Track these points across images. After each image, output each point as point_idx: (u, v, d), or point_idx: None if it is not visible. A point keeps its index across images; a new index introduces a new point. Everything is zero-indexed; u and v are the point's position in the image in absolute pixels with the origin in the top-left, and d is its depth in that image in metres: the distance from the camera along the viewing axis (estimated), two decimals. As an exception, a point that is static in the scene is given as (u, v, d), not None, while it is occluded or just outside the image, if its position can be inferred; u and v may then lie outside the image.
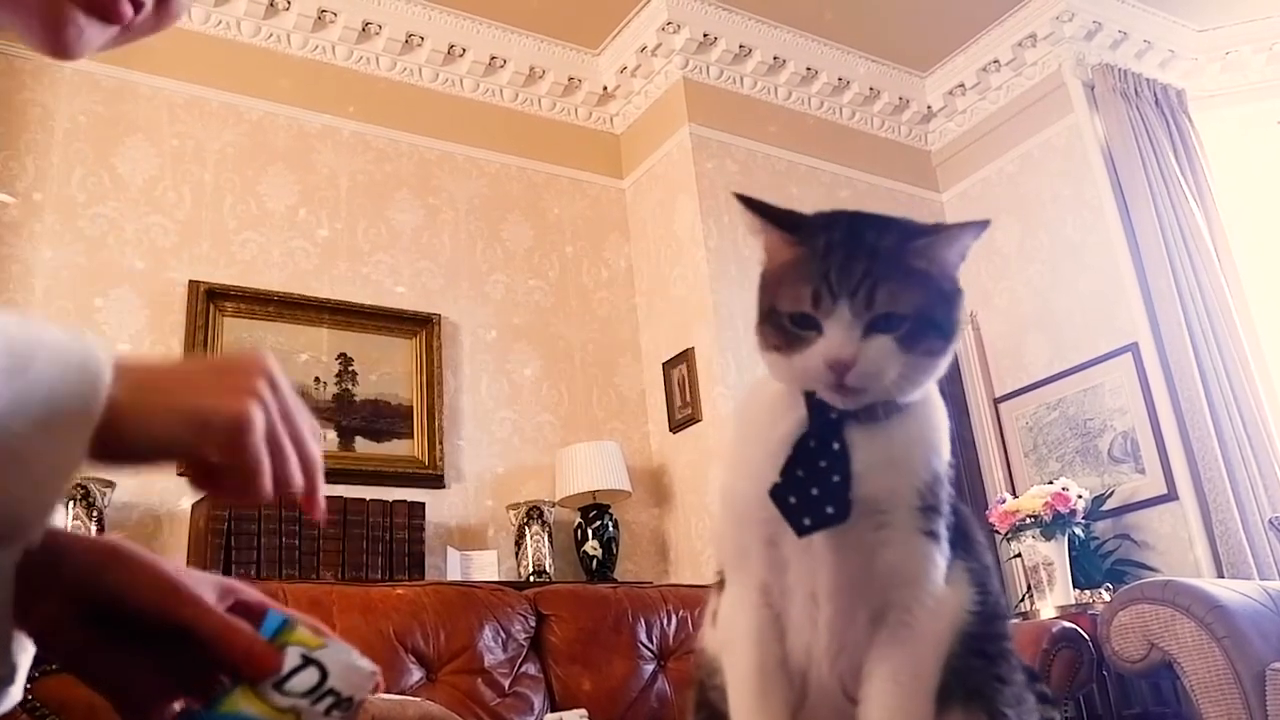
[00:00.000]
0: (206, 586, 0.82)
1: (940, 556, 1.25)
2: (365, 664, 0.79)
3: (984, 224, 1.23)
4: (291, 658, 0.76)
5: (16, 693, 0.83)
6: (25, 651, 0.82)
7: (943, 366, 1.26)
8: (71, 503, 4.08)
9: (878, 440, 1.24)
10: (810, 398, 1.25)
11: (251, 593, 0.86)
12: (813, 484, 1.21)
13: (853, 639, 1.26)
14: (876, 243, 1.26)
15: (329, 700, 0.76)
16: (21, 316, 0.69)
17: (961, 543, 1.30)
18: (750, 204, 1.34)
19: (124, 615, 0.78)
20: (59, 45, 0.79)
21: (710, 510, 5.24)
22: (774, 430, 1.27)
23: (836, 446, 1.22)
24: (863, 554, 1.24)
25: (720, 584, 1.38)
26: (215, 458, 0.76)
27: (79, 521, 4.09)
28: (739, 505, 1.28)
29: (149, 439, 0.73)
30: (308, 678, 0.76)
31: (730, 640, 1.32)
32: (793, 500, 1.22)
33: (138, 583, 0.79)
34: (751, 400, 1.36)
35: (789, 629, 1.31)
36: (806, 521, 1.21)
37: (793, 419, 1.26)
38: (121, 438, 0.71)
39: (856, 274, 1.21)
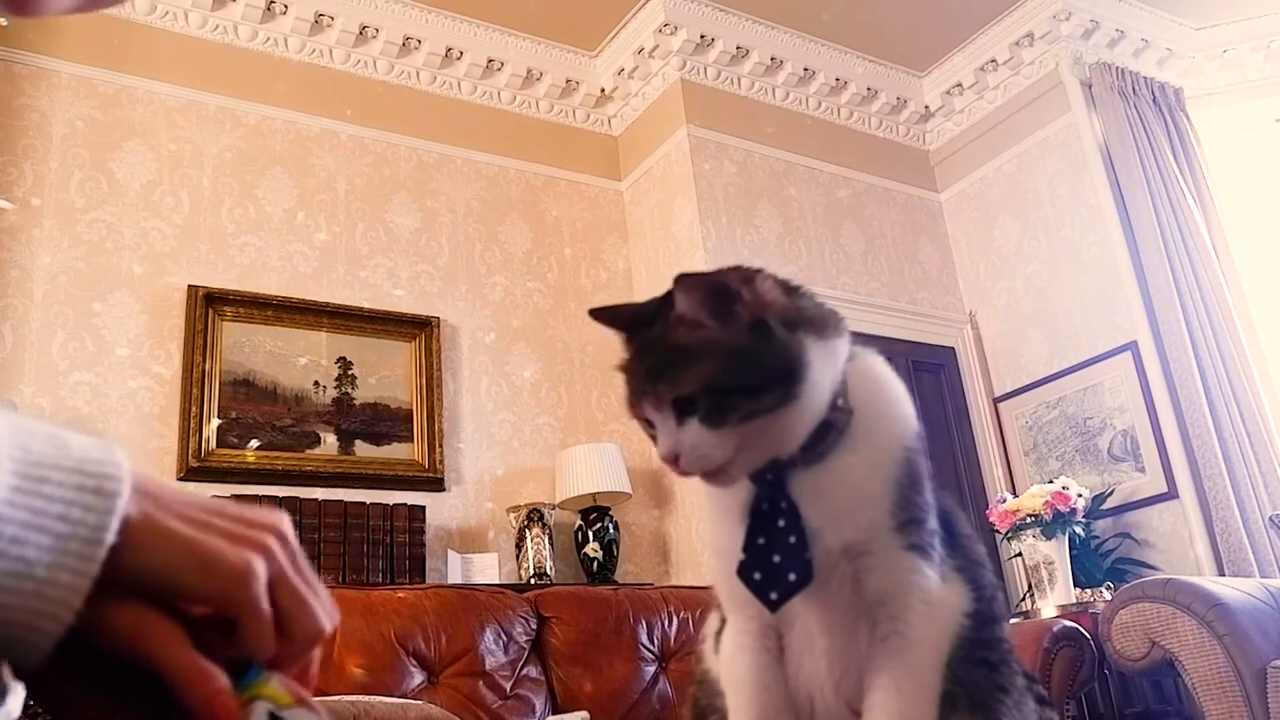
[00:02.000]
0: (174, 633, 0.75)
1: (927, 565, 1.23)
2: None
3: (683, 277, 1.16)
4: (258, 713, 0.73)
5: (15, 706, 0.80)
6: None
7: (796, 414, 1.18)
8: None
9: (830, 482, 1.22)
10: None
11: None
12: (774, 550, 1.20)
13: (855, 663, 1.26)
14: (653, 333, 1.22)
15: None
16: (42, 423, 0.67)
17: (948, 541, 1.29)
18: (597, 315, 1.30)
19: (92, 643, 0.73)
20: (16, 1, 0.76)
21: (706, 512, 5.26)
22: (734, 496, 1.26)
23: (784, 505, 1.21)
24: (850, 587, 1.23)
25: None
26: (214, 606, 0.72)
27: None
28: (726, 561, 1.27)
29: (151, 570, 0.69)
30: None
31: (732, 684, 1.32)
32: (758, 576, 1.21)
33: (118, 611, 0.72)
34: None
35: (792, 658, 1.31)
36: (774, 596, 1.20)
37: (746, 483, 1.25)
38: (124, 564, 0.67)
39: (642, 373, 1.20)
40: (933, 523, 1.25)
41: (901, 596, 1.22)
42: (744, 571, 1.22)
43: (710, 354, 1.17)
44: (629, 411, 1.24)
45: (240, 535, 0.73)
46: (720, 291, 1.17)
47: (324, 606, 0.78)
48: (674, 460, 1.17)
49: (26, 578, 0.62)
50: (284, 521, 0.78)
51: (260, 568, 0.73)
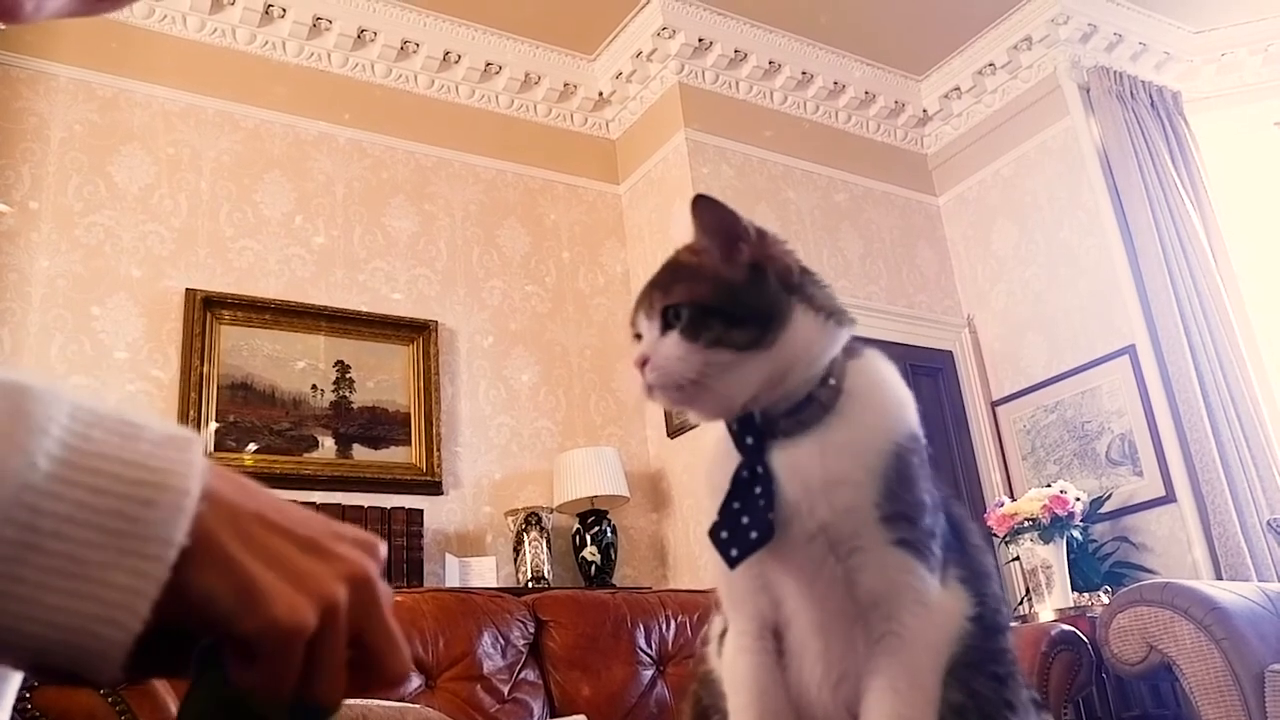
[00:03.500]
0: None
1: (923, 565, 1.23)
2: None
3: (699, 198, 1.28)
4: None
5: (4, 707, 0.80)
6: (9, 679, 0.80)
7: (760, 363, 1.24)
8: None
9: (810, 457, 1.24)
10: (730, 428, 1.29)
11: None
12: (744, 513, 1.23)
13: (853, 667, 1.26)
14: (667, 260, 1.33)
15: None
16: (121, 413, 0.61)
17: (955, 546, 1.29)
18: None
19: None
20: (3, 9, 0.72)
21: (705, 511, 5.25)
22: (724, 481, 1.28)
23: (760, 470, 1.24)
24: (841, 587, 1.23)
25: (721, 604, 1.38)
26: (246, 647, 0.63)
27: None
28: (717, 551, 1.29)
29: (193, 590, 0.61)
30: None
31: (732, 686, 1.32)
32: (723, 535, 1.24)
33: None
34: (709, 456, 1.36)
35: (791, 660, 1.31)
36: (734, 552, 1.23)
37: (736, 460, 1.28)
38: (174, 576, 0.60)
39: (648, 287, 1.30)
40: (928, 523, 1.24)
41: (894, 597, 1.22)
42: (713, 532, 1.25)
43: (704, 275, 1.27)
44: (630, 329, 1.32)
45: (305, 576, 0.64)
46: (730, 224, 1.28)
47: (382, 672, 0.69)
48: (642, 364, 1.25)
49: (77, 578, 0.57)
50: (371, 561, 0.69)
51: (309, 625, 0.63)
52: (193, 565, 0.60)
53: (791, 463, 1.24)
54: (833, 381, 1.26)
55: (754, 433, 1.26)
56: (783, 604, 1.29)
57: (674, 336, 1.24)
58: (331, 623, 0.64)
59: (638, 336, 1.30)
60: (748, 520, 1.23)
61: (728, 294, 1.26)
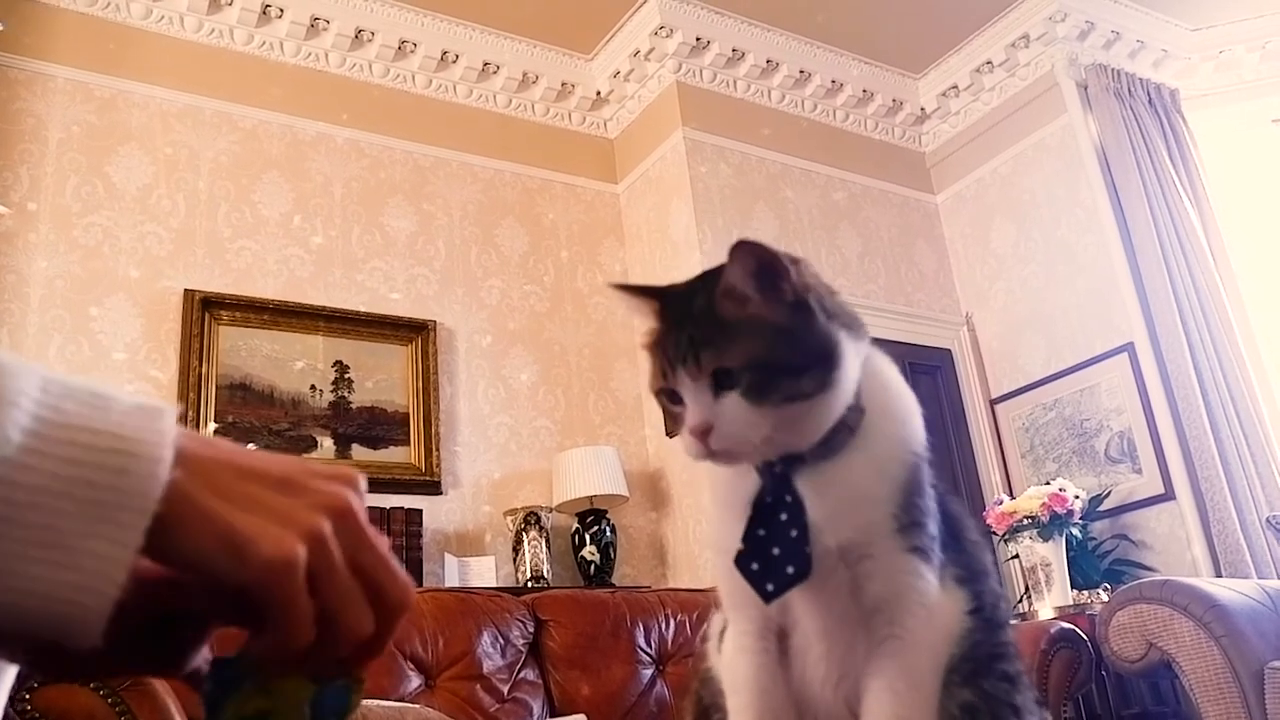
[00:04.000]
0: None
1: (927, 569, 1.22)
2: None
3: (741, 243, 1.16)
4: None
5: None
6: (2, 676, 0.80)
7: (828, 404, 1.18)
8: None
9: (836, 480, 1.22)
10: None
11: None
12: (774, 543, 1.20)
13: (853, 667, 1.25)
14: (695, 305, 1.22)
15: None
16: (91, 385, 0.62)
17: (952, 545, 1.29)
18: (622, 288, 1.31)
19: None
20: None
21: (708, 513, 5.26)
22: (737, 493, 1.26)
23: (789, 499, 1.21)
24: (847, 591, 1.23)
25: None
26: (249, 597, 0.64)
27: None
28: (727, 560, 1.26)
29: (182, 551, 0.63)
30: None
31: (732, 685, 1.32)
32: (755, 567, 1.21)
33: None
34: (715, 468, 1.33)
35: (795, 660, 1.30)
36: (770, 588, 1.20)
37: (752, 478, 1.25)
38: (156, 540, 0.62)
39: (684, 342, 1.19)
40: (933, 527, 1.24)
41: (899, 601, 1.21)
42: (742, 562, 1.21)
43: (757, 329, 1.18)
44: (653, 384, 1.24)
45: (288, 515, 0.65)
46: (771, 265, 1.18)
47: (385, 600, 0.70)
48: (704, 433, 1.16)
49: (55, 547, 0.58)
50: (349, 491, 0.69)
51: (298, 556, 0.64)
52: (176, 528, 0.61)
53: (817, 487, 1.21)
54: (855, 401, 1.23)
55: (782, 460, 1.22)
56: (789, 609, 1.28)
57: (735, 398, 1.16)
58: (322, 553, 0.65)
59: (671, 395, 1.22)
60: (779, 552, 1.19)
61: (786, 344, 1.17)
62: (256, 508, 0.65)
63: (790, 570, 1.19)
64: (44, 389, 0.60)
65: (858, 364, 1.22)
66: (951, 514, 1.32)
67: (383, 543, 0.70)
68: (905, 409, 1.29)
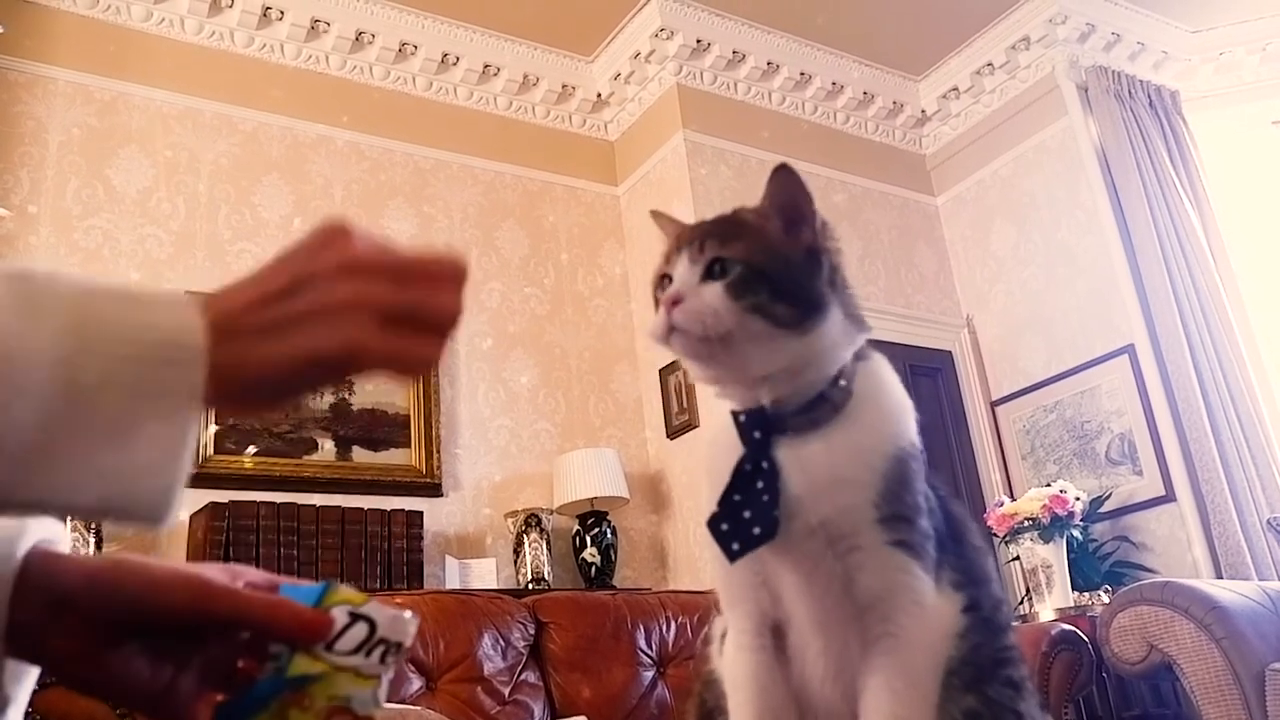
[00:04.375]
0: (220, 575, 0.81)
1: (919, 566, 1.23)
2: (404, 612, 0.81)
3: (785, 168, 1.30)
4: (340, 617, 0.79)
5: (15, 717, 0.82)
6: (22, 680, 0.81)
7: (793, 350, 1.25)
8: (67, 521, 4.06)
9: (817, 455, 1.25)
10: (738, 418, 1.28)
11: (255, 574, 0.85)
12: (746, 506, 1.23)
13: (849, 662, 1.26)
14: (721, 215, 1.34)
15: (381, 649, 0.79)
16: (121, 289, 0.69)
17: (952, 548, 1.29)
18: (657, 215, 1.43)
19: (144, 627, 0.76)
20: None
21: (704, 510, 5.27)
22: (725, 472, 1.28)
23: (766, 465, 1.24)
24: (839, 584, 1.24)
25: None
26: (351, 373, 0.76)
27: (76, 534, 4.08)
28: (720, 552, 1.28)
29: (262, 390, 0.73)
30: (358, 633, 0.78)
31: (732, 684, 1.33)
32: (725, 528, 1.24)
33: (161, 586, 0.77)
34: (710, 446, 1.37)
35: (794, 657, 1.31)
36: (735, 546, 1.23)
37: (738, 451, 1.28)
38: (234, 393, 0.72)
39: (698, 232, 1.29)
40: (925, 525, 1.25)
41: (891, 597, 1.22)
42: (713, 523, 1.26)
43: (765, 242, 1.28)
44: (656, 271, 1.31)
45: (322, 308, 0.73)
46: (802, 203, 1.32)
47: (437, 289, 0.82)
48: (674, 303, 1.23)
49: (118, 434, 0.65)
50: (343, 240, 0.77)
51: (354, 336, 0.73)
52: (251, 377, 0.71)
53: (797, 459, 1.24)
54: (844, 383, 1.27)
55: (762, 426, 1.26)
56: (781, 600, 1.29)
57: (717, 288, 1.23)
58: (372, 316, 0.75)
59: (665, 278, 1.30)
60: (750, 515, 1.23)
61: (783, 267, 1.26)
62: (294, 326, 0.72)
63: (757, 530, 1.22)
64: (80, 294, 0.67)
65: (843, 345, 1.28)
66: (954, 516, 1.33)
67: (396, 248, 0.79)
68: (896, 404, 1.31)
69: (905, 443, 1.27)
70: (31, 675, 0.82)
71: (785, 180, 1.30)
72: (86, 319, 0.65)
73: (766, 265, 1.25)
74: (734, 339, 1.23)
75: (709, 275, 1.25)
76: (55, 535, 0.80)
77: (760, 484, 1.23)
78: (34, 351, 0.63)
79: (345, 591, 0.81)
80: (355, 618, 0.79)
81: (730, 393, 1.31)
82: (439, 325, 0.84)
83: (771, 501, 1.22)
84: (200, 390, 0.67)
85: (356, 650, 0.78)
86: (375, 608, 0.80)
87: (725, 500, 1.25)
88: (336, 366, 0.74)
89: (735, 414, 1.29)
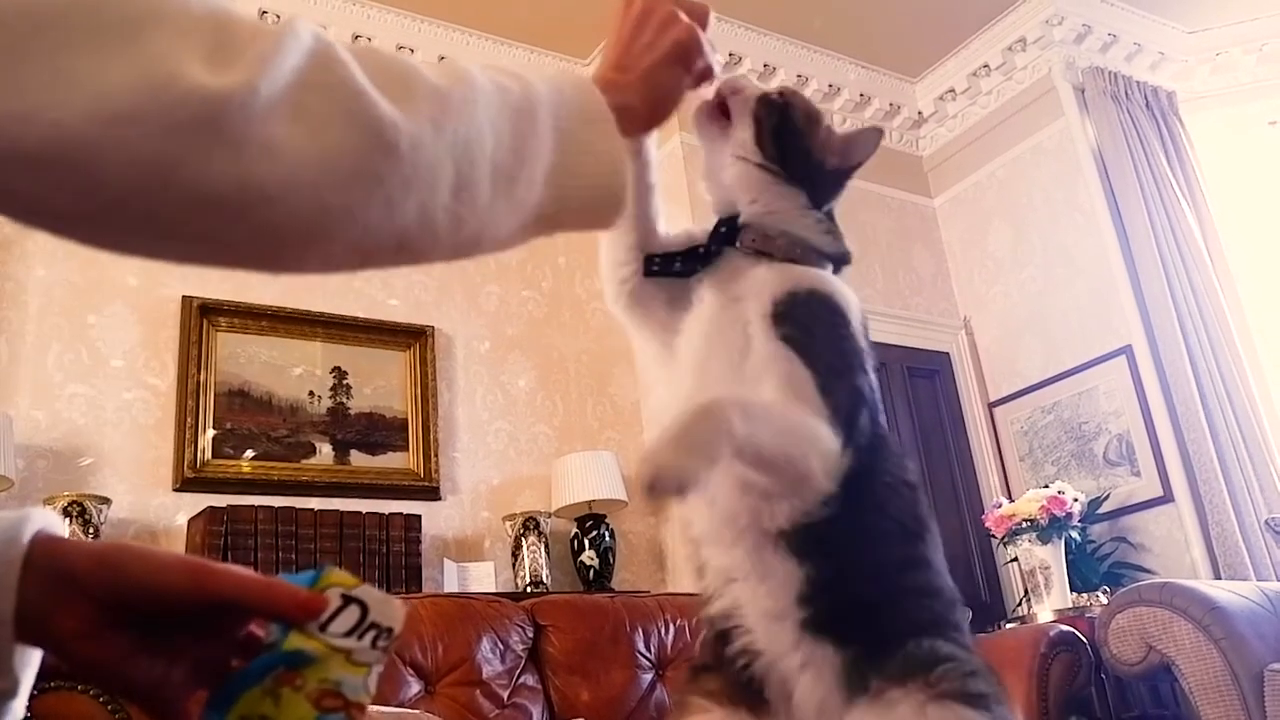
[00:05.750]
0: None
1: (804, 363, 1.35)
2: (394, 598, 0.84)
3: (877, 130, 1.69)
4: (333, 600, 0.81)
5: (20, 706, 0.83)
6: (28, 665, 0.82)
7: (776, 183, 1.62)
8: (68, 519, 4.08)
9: (758, 270, 1.48)
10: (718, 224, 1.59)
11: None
12: (681, 259, 1.55)
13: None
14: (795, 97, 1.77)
15: (373, 633, 0.81)
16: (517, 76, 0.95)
17: (873, 423, 1.43)
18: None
19: (146, 608, 0.78)
20: None
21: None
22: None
23: (714, 249, 1.54)
24: (738, 348, 1.42)
25: None
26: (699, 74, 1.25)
27: (75, 538, 4.08)
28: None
29: (657, 106, 1.15)
30: (350, 616, 0.81)
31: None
32: (655, 266, 1.55)
33: (163, 567, 0.79)
34: None
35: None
36: (655, 266, 1.55)
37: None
38: (640, 116, 1.09)
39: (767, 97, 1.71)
40: (820, 348, 1.38)
41: (769, 369, 1.36)
42: (645, 262, 1.56)
43: (815, 129, 1.70)
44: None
45: (659, 31, 1.18)
46: (817, 117, 1.73)
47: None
48: (726, 91, 1.64)
49: (585, 151, 0.97)
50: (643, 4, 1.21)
51: (689, 37, 1.20)
52: (651, 100, 1.14)
53: (740, 263, 1.50)
54: (799, 252, 1.53)
55: (729, 226, 1.57)
56: (677, 332, 1.51)
57: (750, 121, 1.62)
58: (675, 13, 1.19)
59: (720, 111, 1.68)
60: (680, 263, 1.54)
61: (807, 152, 1.64)
62: (649, 46, 1.16)
63: (678, 265, 1.53)
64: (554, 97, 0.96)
65: (817, 238, 1.56)
66: (875, 408, 1.44)
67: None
68: (829, 282, 1.51)
69: (834, 292, 1.48)
70: (36, 661, 0.84)
71: (872, 138, 1.82)
72: (557, 90, 0.95)
73: (800, 137, 1.64)
74: (733, 153, 1.63)
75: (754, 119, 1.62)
76: (55, 524, 0.82)
77: (702, 253, 1.53)
78: (541, 110, 0.92)
79: (338, 574, 0.83)
80: (348, 600, 0.81)
81: (714, 198, 1.67)
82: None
83: (705, 258, 1.52)
84: (610, 115, 0.98)
85: (349, 633, 0.80)
86: (367, 590, 0.82)
87: (666, 257, 1.53)
88: (687, 49, 1.17)
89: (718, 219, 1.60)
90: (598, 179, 0.96)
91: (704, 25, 1.23)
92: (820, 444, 1.27)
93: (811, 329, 1.39)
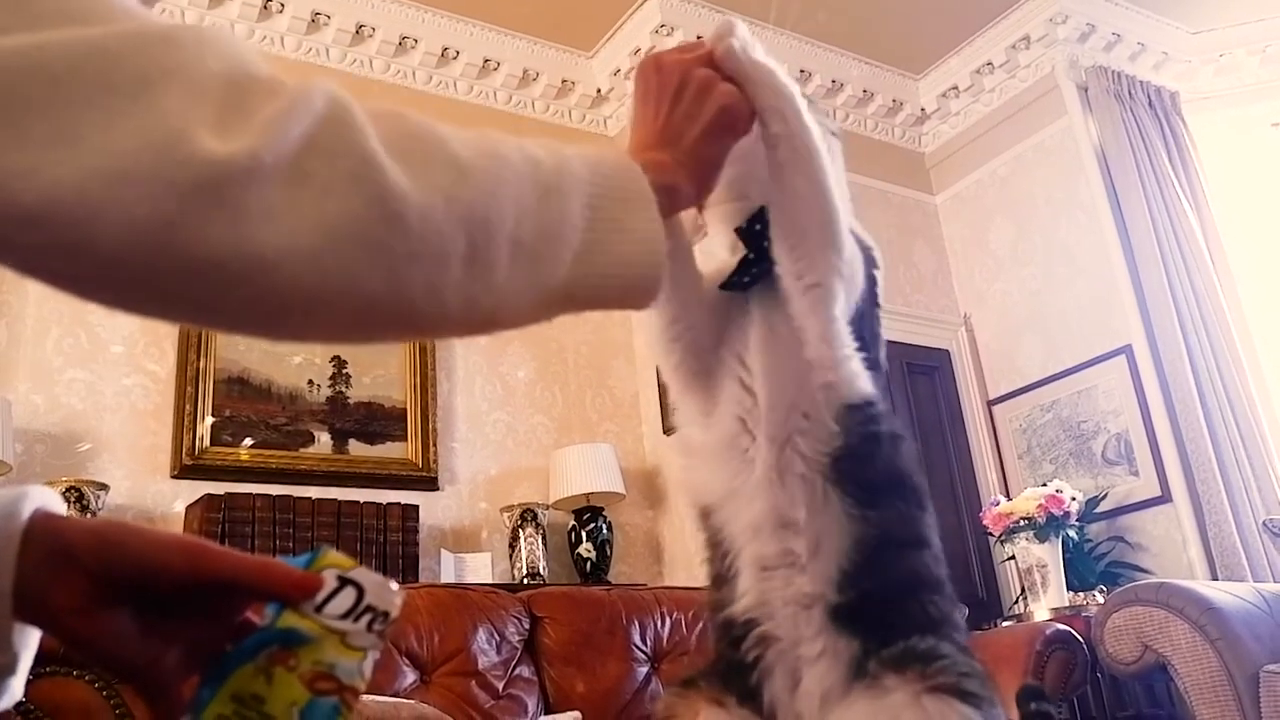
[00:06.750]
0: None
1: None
2: (390, 581, 0.83)
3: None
4: (329, 581, 0.81)
5: (19, 684, 0.84)
6: (27, 643, 0.83)
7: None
8: (66, 505, 4.07)
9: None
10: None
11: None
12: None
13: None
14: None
15: (368, 617, 0.81)
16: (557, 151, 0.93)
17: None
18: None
19: (142, 586, 0.79)
20: None
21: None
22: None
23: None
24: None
25: None
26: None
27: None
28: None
29: (705, 182, 1.10)
30: (346, 598, 0.80)
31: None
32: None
33: (160, 546, 0.80)
34: None
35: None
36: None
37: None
38: (687, 196, 1.06)
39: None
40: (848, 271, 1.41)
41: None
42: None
43: None
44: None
45: (699, 99, 1.12)
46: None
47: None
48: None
49: (624, 231, 0.94)
50: (696, 61, 1.16)
51: (732, 104, 1.14)
52: (700, 173, 1.09)
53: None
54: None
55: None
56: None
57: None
58: (714, 77, 1.15)
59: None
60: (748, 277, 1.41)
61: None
62: (689, 118, 1.09)
63: (749, 276, 1.40)
64: (582, 154, 0.94)
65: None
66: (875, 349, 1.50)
67: (688, 48, 1.20)
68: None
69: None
70: (34, 641, 0.85)
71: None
72: (594, 168, 0.93)
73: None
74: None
75: None
76: (54, 502, 0.83)
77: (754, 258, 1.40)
78: (574, 186, 0.90)
79: (334, 556, 0.83)
80: (344, 582, 0.81)
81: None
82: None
83: (759, 262, 1.40)
84: (652, 196, 0.95)
85: (345, 615, 0.80)
86: (363, 573, 0.82)
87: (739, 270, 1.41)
88: (738, 129, 1.14)
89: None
90: (631, 262, 0.93)
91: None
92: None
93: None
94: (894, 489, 1.35)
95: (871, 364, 1.42)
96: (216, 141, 0.65)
